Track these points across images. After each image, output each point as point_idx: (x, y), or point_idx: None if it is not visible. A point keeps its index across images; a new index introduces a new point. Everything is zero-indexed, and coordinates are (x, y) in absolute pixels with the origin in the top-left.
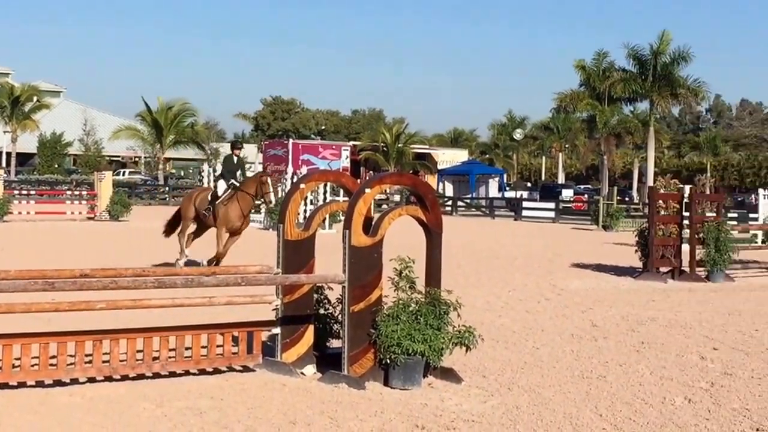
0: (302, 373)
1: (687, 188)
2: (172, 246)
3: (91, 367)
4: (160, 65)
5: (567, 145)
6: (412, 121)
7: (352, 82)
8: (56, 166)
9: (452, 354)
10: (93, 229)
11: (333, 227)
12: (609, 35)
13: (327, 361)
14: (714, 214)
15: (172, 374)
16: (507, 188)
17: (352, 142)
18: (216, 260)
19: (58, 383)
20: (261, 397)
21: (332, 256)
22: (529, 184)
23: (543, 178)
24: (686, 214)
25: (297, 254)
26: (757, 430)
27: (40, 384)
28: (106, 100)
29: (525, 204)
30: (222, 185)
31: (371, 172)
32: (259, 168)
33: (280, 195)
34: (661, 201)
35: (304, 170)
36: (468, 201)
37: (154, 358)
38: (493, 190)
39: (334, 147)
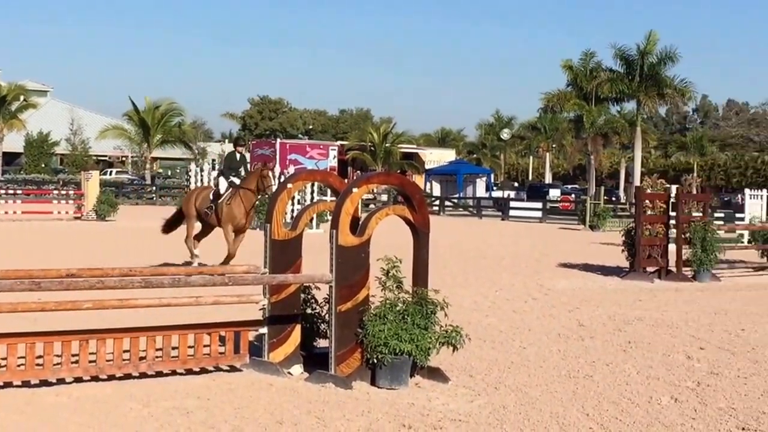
0: (289, 373)
1: (674, 188)
2: (159, 245)
3: (78, 367)
4: (147, 65)
5: (554, 145)
6: (399, 120)
7: (339, 82)
8: (43, 165)
9: (439, 354)
10: (80, 228)
11: (320, 227)
12: (596, 35)
13: (314, 361)
14: (700, 214)
15: (159, 374)
16: (494, 188)
17: (339, 142)
18: (227, 261)
19: (45, 383)
20: (248, 396)
21: (319, 256)
22: (516, 184)
23: (530, 177)
24: (673, 213)
25: (284, 254)
26: (743, 429)
27: (26, 384)
28: (93, 100)
29: (512, 204)
30: (223, 183)
31: (358, 171)
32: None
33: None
34: (647, 201)
35: (291, 170)
36: (455, 201)
37: (141, 358)
38: (481, 190)
39: (321, 147)
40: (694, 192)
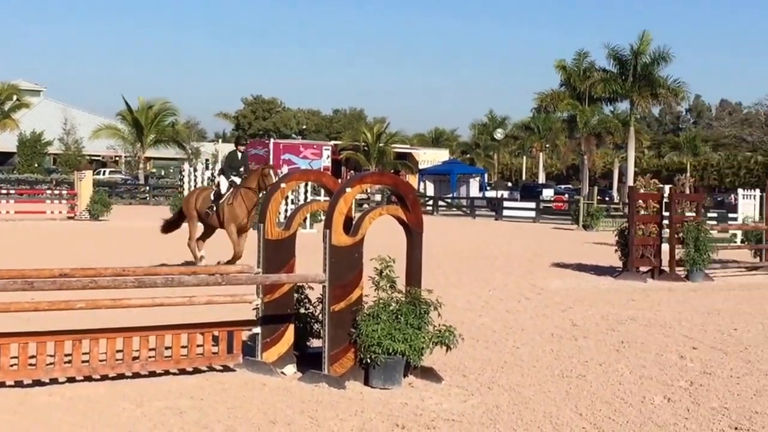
0: (282, 373)
1: (667, 188)
2: (153, 245)
3: (71, 367)
4: (140, 65)
5: (547, 145)
6: (393, 120)
7: (333, 82)
8: (36, 165)
9: (432, 353)
10: (73, 228)
11: (314, 227)
12: (589, 35)
13: (307, 361)
14: (693, 214)
15: (152, 374)
16: (488, 188)
17: (333, 142)
18: (234, 262)
19: (38, 383)
20: (241, 396)
21: (313, 256)
22: (509, 184)
23: (523, 177)
24: (666, 213)
25: (277, 254)
26: (736, 429)
27: (19, 384)
28: (86, 99)
29: (506, 204)
30: (224, 182)
31: (352, 171)
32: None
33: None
34: (641, 201)
35: (285, 170)
36: (449, 201)
37: (134, 358)
38: (474, 190)
39: (315, 146)
40: (687, 192)
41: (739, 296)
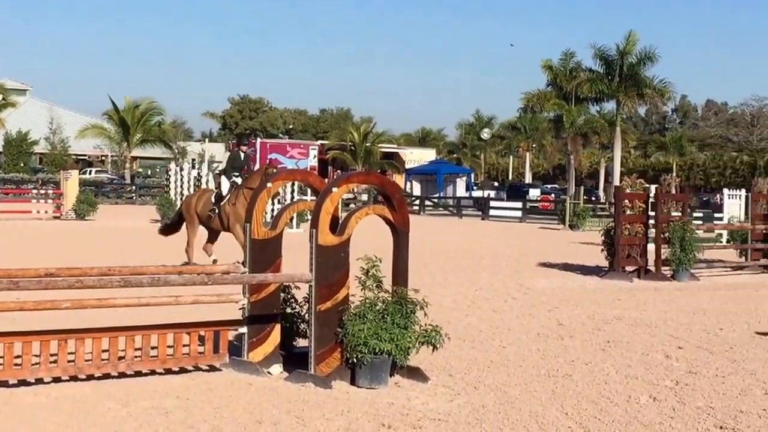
0: (269, 373)
1: (653, 188)
2: (139, 245)
3: (57, 367)
4: (126, 63)
5: (534, 145)
6: (379, 120)
7: (319, 81)
8: (22, 164)
9: (419, 353)
10: (59, 228)
11: (300, 226)
12: (576, 35)
13: (294, 361)
14: (679, 214)
15: (138, 374)
16: (474, 188)
17: (319, 142)
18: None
19: (23, 383)
20: (227, 396)
21: (299, 255)
22: (496, 184)
23: (510, 177)
24: (652, 213)
25: (264, 253)
26: (721, 428)
27: (4, 384)
28: (72, 99)
29: (492, 203)
30: (225, 183)
31: (339, 171)
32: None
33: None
34: (627, 200)
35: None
36: (435, 200)
37: (120, 358)
38: (461, 190)
39: (301, 146)
40: (673, 192)
41: (725, 296)
